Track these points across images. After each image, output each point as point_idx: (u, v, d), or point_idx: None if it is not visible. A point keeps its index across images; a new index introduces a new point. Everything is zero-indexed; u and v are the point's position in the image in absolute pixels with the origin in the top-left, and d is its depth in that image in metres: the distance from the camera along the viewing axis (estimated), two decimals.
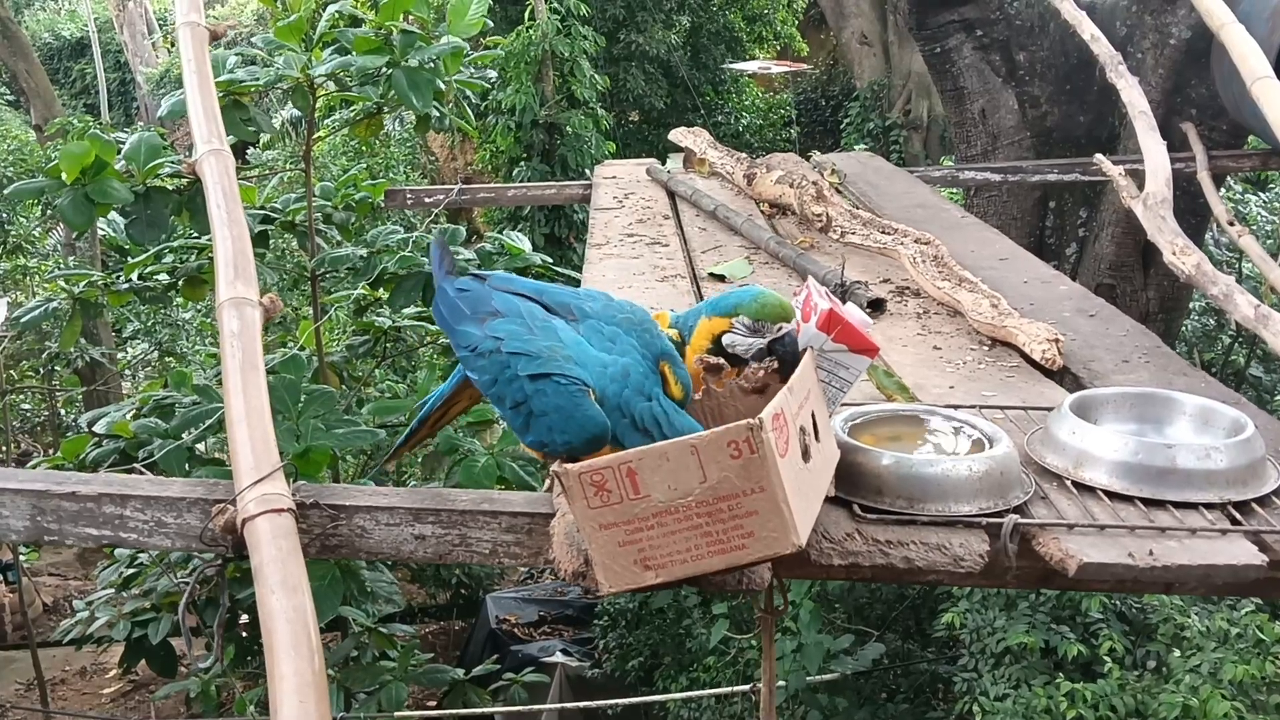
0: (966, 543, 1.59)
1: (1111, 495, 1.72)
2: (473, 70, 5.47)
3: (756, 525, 1.41)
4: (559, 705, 6.73)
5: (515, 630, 8.10)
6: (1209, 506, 1.69)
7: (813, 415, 1.57)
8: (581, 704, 6.59)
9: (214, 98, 2.39)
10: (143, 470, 2.70)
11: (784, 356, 1.73)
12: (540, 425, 1.60)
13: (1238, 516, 1.67)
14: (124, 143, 4.62)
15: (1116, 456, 1.74)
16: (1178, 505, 1.69)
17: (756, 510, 1.40)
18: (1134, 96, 3.58)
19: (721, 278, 3.13)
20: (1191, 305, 6.60)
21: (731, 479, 1.39)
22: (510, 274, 1.85)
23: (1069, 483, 1.76)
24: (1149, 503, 1.70)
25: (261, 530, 1.51)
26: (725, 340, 1.76)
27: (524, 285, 1.79)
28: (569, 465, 1.39)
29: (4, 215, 9.27)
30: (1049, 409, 2.03)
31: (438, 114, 5.29)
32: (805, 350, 1.71)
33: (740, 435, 1.37)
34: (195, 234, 5.35)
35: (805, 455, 1.50)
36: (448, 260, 1.84)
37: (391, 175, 11.37)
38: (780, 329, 1.74)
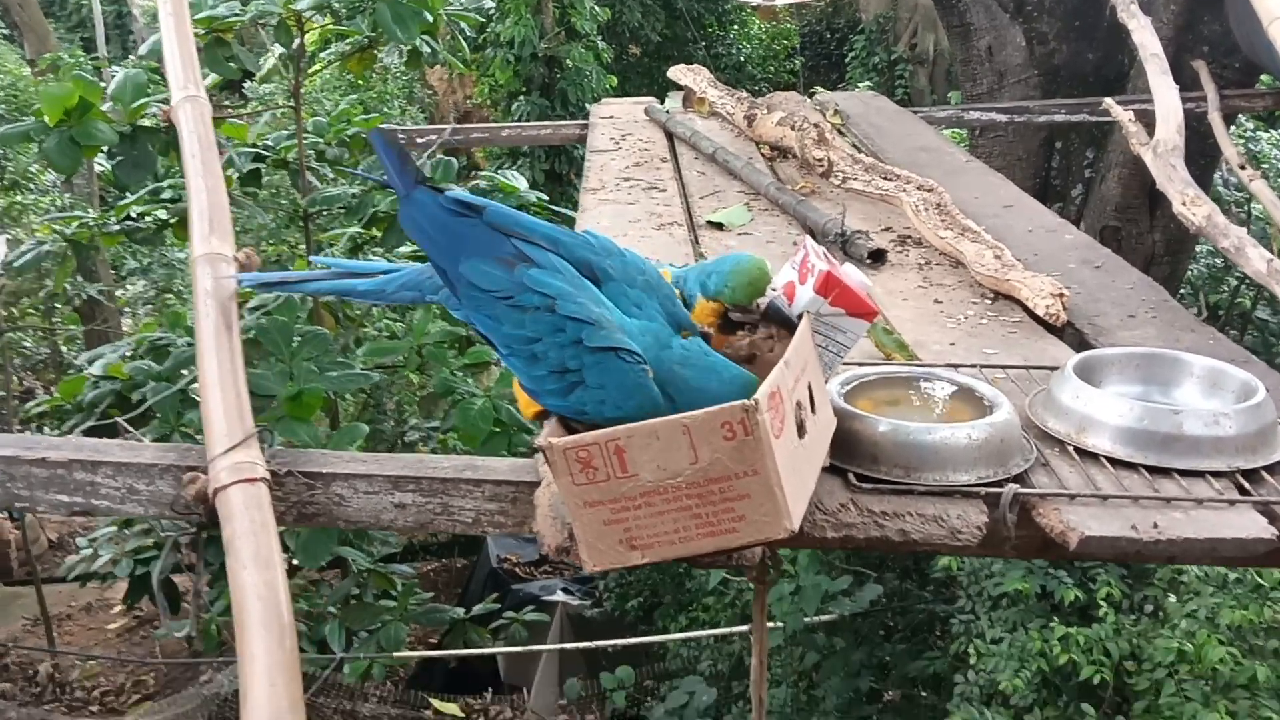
0: (964, 514, 1.54)
1: (1115, 462, 1.66)
2: (464, 2, 5.35)
3: (748, 509, 1.35)
4: (559, 646, 6.76)
5: (516, 569, 8.14)
6: (1216, 475, 1.63)
7: (809, 386, 1.51)
8: (582, 644, 6.62)
9: (191, 41, 2.29)
10: (127, 427, 2.65)
11: (779, 324, 1.69)
12: (590, 396, 1.51)
13: (1246, 485, 1.62)
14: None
15: (1121, 422, 1.68)
16: (1184, 473, 1.63)
17: (749, 493, 1.34)
18: (1146, 38, 3.46)
19: (720, 226, 3.05)
20: (1198, 247, 6.51)
21: (724, 461, 1.33)
22: (509, 210, 1.64)
23: (1071, 449, 1.71)
24: (1154, 470, 1.64)
25: (234, 501, 1.46)
26: (731, 316, 1.73)
27: (532, 227, 1.62)
28: (554, 440, 1.33)
29: (1, 152, 9.16)
30: (1052, 368, 1.97)
31: (429, 48, 5.18)
32: (802, 316, 1.64)
33: (734, 416, 1.31)
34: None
35: (800, 431, 1.45)
36: (410, 165, 1.62)
37: (386, 110, 11.19)
38: (759, 305, 1.69)
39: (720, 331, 1.71)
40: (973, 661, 4.61)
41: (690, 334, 1.63)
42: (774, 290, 1.69)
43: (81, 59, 9.13)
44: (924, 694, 5.64)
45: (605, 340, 1.49)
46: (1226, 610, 4.12)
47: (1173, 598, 4.40)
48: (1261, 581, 4.22)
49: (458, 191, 1.64)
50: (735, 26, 15.01)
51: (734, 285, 1.67)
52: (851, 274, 1.74)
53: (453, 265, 1.58)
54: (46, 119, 4.26)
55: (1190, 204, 2.68)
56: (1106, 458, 1.68)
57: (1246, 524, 1.52)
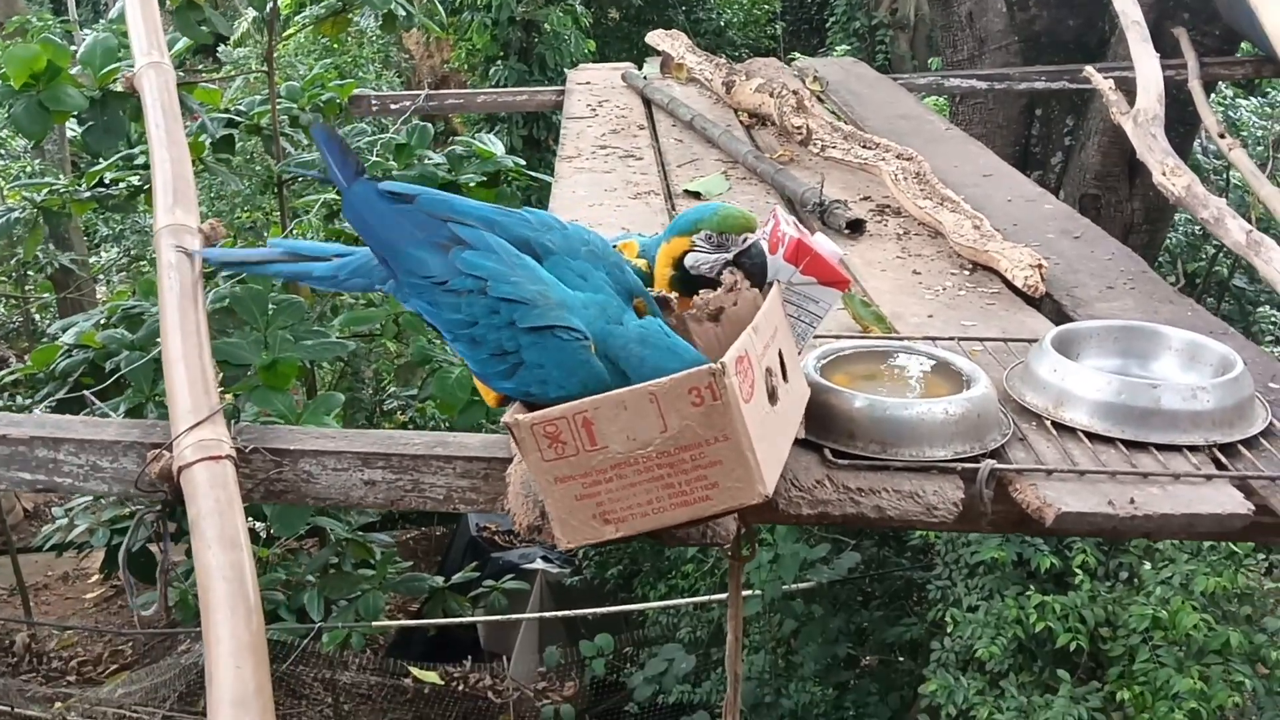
0: (940, 490, 1.53)
1: (1092, 437, 1.65)
2: None
3: (721, 475, 1.33)
4: (539, 614, 6.77)
5: (495, 537, 8.12)
6: (1194, 449, 1.62)
7: (780, 354, 1.49)
8: (561, 612, 6.63)
9: (155, 6, 2.23)
10: (93, 400, 2.60)
11: (751, 269, 1.64)
12: (531, 377, 1.47)
13: (1223, 460, 1.61)
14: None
15: (1099, 396, 1.67)
16: (1161, 448, 1.62)
17: (720, 460, 1.32)
18: (1127, 5, 3.44)
19: (697, 195, 3.02)
20: (1177, 215, 6.51)
21: (693, 428, 1.30)
22: (443, 195, 1.63)
23: (1049, 423, 1.69)
24: (1131, 445, 1.63)
25: (199, 479, 1.43)
26: (688, 261, 1.67)
27: (466, 210, 1.60)
28: (520, 416, 1.31)
29: None
30: (1030, 340, 1.96)
31: (404, 12, 5.11)
32: (772, 283, 1.61)
33: (702, 381, 1.28)
34: None
35: (772, 397, 1.42)
36: (351, 158, 1.64)
37: (361, 75, 11.04)
38: (745, 239, 1.65)
39: (682, 293, 1.68)
40: (949, 628, 4.64)
41: (644, 302, 1.60)
42: (760, 241, 1.66)
43: (50, 22, 8.95)
44: (901, 660, 5.68)
45: (540, 319, 1.46)
46: (1200, 577, 4.15)
47: (1148, 565, 4.44)
48: (1235, 549, 4.26)
49: (392, 183, 1.61)
50: None
51: (725, 215, 1.64)
52: (822, 243, 1.72)
53: (393, 254, 1.57)
54: (14, 83, 4.19)
55: (1170, 174, 2.66)
56: (1084, 432, 1.66)
57: (1223, 499, 1.51)
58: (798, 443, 1.59)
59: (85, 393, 2.82)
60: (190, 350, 1.60)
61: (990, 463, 1.56)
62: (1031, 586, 4.54)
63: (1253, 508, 1.50)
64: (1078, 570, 4.46)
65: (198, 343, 1.62)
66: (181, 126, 1.99)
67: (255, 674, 1.20)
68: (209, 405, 1.53)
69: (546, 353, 1.45)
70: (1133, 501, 1.50)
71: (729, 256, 1.65)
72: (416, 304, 1.56)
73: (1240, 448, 1.63)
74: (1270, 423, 1.69)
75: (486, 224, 1.57)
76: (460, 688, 7.24)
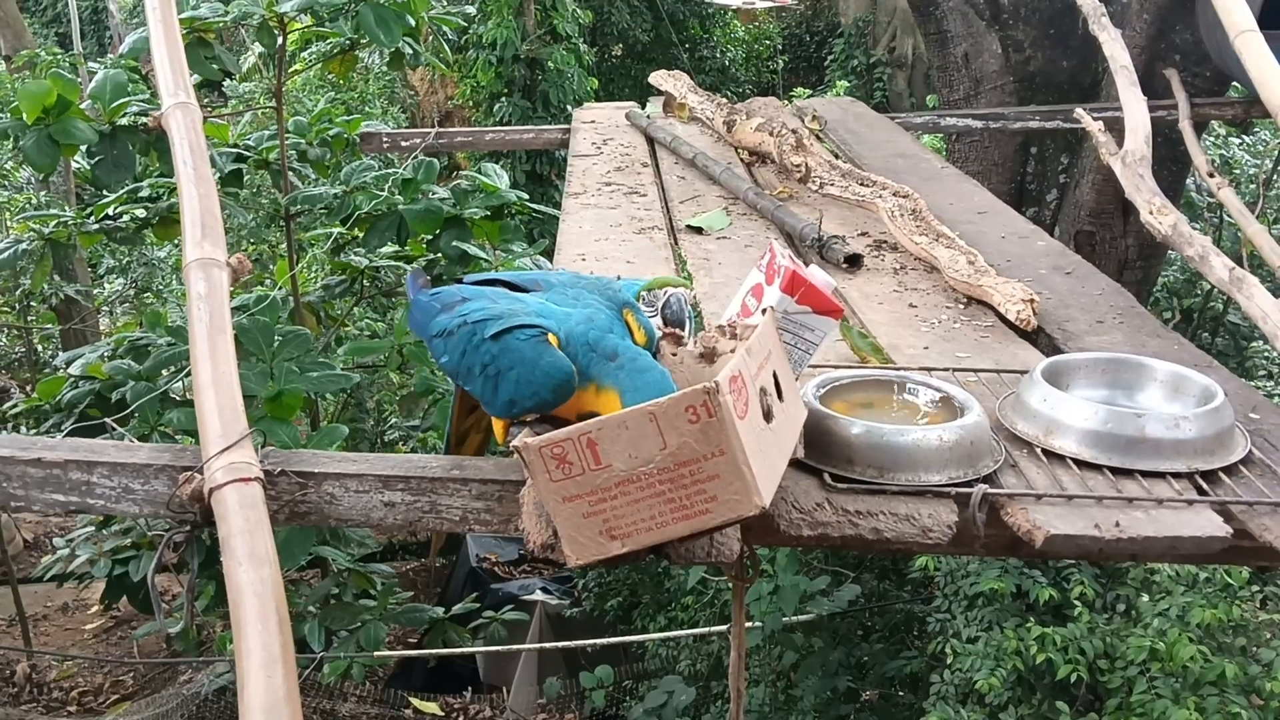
0: (935, 513, 1.60)
1: (1080, 464, 1.72)
2: (447, 5, 5.40)
3: (719, 489, 1.40)
4: (539, 645, 6.79)
5: (495, 568, 8.15)
6: (1176, 476, 1.69)
7: (775, 376, 1.57)
8: (561, 643, 6.66)
9: (180, 47, 2.32)
10: (113, 426, 2.68)
11: (669, 317, 1.81)
12: (509, 382, 1.60)
13: (1204, 486, 1.68)
14: (94, 74, 4.56)
15: (1087, 425, 1.74)
16: (1146, 474, 1.69)
17: (718, 474, 1.39)
18: (1116, 50, 3.54)
19: (699, 230, 3.11)
20: (1171, 253, 6.60)
21: (691, 444, 1.38)
22: (482, 275, 1.90)
23: (1039, 450, 1.77)
24: (1117, 471, 1.70)
25: (229, 500, 1.50)
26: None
27: (494, 277, 1.84)
28: (529, 440, 1.38)
29: None
30: (1022, 372, 2.03)
31: (411, 50, 5.22)
32: (767, 310, 1.71)
33: (697, 399, 1.36)
34: (166, 174, 5.27)
35: (767, 416, 1.49)
36: (421, 279, 1.90)
37: (368, 110, 11.18)
38: (666, 293, 1.82)
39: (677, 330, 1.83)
40: (949, 661, 4.67)
41: (632, 312, 1.73)
42: (677, 292, 1.80)
43: (59, 56, 9.06)
44: (901, 693, 5.70)
45: (501, 325, 1.62)
46: (1197, 609, 4.19)
47: (1145, 597, 4.47)
48: (1230, 581, 4.30)
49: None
50: (718, 29, 15.08)
51: (648, 286, 1.83)
52: (816, 274, 1.81)
53: (425, 330, 1.76)
54: (25, 117, 4.28)
55: (1157, 213, 2.75)
56: (1072, 459, 1.73)
57: (1204, 523, 1.58)
58: (800, 467, 1.67)
59: (107, 420, 2.90)
60: (221, 377, 1.68)
61: (983, 487, 1.63)
62: (1031, 618, 4.58)
63: (1231, 531, 1.57)
64: (1076, 602, 4.50)
65: (228, 370, 1.70)
66: (209, 164, 2.08)
67: (285, 682, 1.27)
68: (238, 430, 1.60)
69: (512, 353, 1.60)
70: (1118, 525, 1.57)
71: (657, 314, 1.81)
72: (443, 362, 1.74)
73: (1221, 474, 1.71)
74: (1249, 451, 1.76)
75: (507, 278, 1.79)
76: (460, 719, 7.25)
